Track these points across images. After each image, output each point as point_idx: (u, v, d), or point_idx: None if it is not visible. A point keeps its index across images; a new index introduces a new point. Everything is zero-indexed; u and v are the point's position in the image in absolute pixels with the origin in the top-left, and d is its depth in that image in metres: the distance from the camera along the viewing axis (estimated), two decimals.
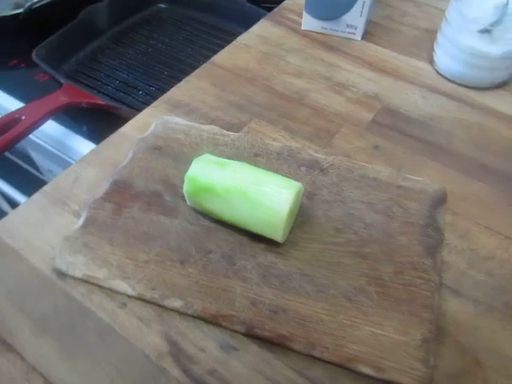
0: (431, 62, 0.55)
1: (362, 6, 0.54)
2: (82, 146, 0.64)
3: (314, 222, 0.37)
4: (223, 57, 0.55)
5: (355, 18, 0.56)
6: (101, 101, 0.61)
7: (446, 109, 0.50)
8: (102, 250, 0.36)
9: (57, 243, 0.37)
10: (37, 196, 0.41)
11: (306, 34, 0.58)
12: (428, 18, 0.62)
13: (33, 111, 0.58)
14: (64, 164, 0.69)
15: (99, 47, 0.80)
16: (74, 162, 0.67)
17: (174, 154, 0.42)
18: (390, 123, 0.47)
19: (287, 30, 0.59)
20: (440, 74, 0.54)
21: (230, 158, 0.38)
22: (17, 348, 0.32)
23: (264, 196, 0.33)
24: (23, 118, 0.57)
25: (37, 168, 0.83)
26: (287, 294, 0.34)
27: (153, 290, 0.34)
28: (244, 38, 0.58)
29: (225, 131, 0.44)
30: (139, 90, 0.70)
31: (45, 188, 0.41)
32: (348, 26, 0.56)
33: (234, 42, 0.57)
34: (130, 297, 0.34)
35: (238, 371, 0.31)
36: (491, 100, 0.51)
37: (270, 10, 0.78)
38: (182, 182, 0.39)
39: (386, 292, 0.34)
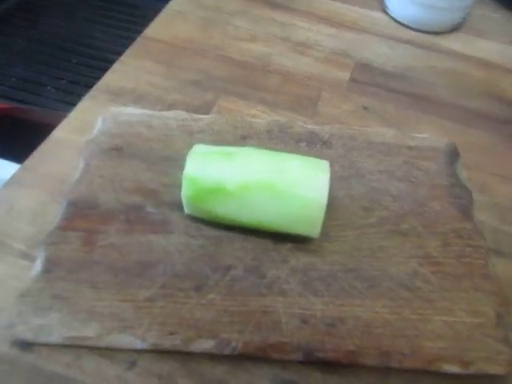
0: (384, 9, 0.51)
1: None
2: None
3: (338, 204, 0.31)
4: (157, 28, 0.45)
5: None
6: (4, 104, 0.48)
7: (417, 57, 0.46)
8: (84, 297, 0.26)
9: (9, 303, 0.26)
10: None
11: None
12: None
13: None
14: None
15: None
16: None
17: (140, 153, 0.33)
18: (370, 80, 0.42)
19: None
20: (397, 22, 0.50)
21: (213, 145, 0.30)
22: None
23: (294, 184, 0.26)
24: None
25: None
26: (338, 299, 0.27)
27: (171, 334, 0.25)
28: (175, 5, 0.48)
29: (195, 115, 0.36)
30: (46, 86, 0.58)
31: None
32: None
33: (164, 11, 0.47)
34: (137, 351, 0.25)
35: None
36: (454, 43, 0.48)
37: None
38: (164, 186, 0.31)
39: (441, 270, 0.29)
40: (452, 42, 0.48)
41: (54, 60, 0.61)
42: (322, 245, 0.29)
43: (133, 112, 0.35)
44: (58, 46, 0.63)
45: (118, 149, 0.33)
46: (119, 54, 0.62)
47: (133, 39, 0.62)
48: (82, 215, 0.29)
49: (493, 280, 0.29)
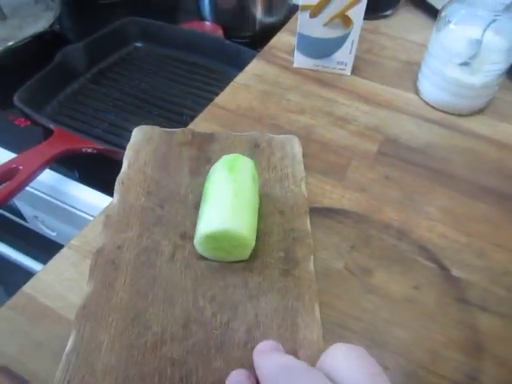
0: (416, 91, 0.60)
1: (351, 45, 0.58)
2: (77, 190, 0.63)
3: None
4: (225, 98, 0.56)
5: (345, 56, 0.59)
6: (99, 145, 0.61)
7: (440, 136, 0.54)
8: None
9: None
10: (65, 251, 0.40)
11: (298, 72, 0.62)
12: (404, 51, 0.67)
13: (30, 160, 0.57)
14: (56, 209, 0.67)
15: (80, 88, 0.79)
16: (68, 207, 0.66)
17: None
18: (395, 153, 0.51)
19: (280, 68, 0.62)
20: (426, 103, 0.58)
21: None
22: None
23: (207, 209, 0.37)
24: (20, 168, 0.56)
25: (19, 214, 0.80)
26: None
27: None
28: (242, 78, 0.60)
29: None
30: (130, 131, 0.70)
31: (72, 242, 0.41)
32: (338, 62, 0.60)
33: (232, 83, 0.59)
34: None
35: None
36: (476, 125, 0.56)
37: (244, 44, 0.81)
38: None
39: None
40: (474, 124, 0.56)
41: (139, 110, 0.74)
42: None
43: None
44: (143, 99, 0.76)
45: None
46: (191, 109, 0.76)
47: (204, 98, 0.75)
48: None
49: None
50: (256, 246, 0.38)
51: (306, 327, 0.35)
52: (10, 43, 0.77)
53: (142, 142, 0.47)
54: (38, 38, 0.79)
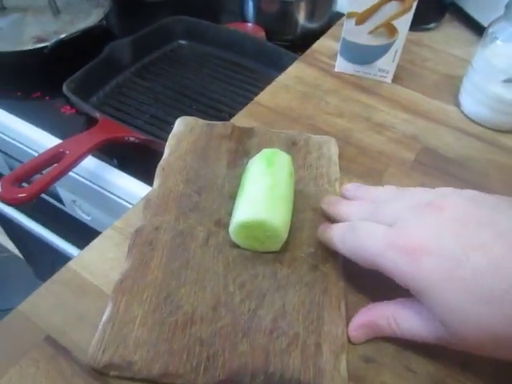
0: (457, 104, 0.60)
1: (395, 53, 0.58)
2: (115, 177, 0.66)
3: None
4: (265, 97, 0.58)
5: (387, 63, 0.60)
6: (141, 136, 0.63)
7: (478, 150, 0.54)
8: None
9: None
10: (109, 232, 0.42)
11: (338, 76, 0.62)
12: (446, 64, 0.67)
13: (76, 146, 0.60)
14: (93, 195, 0.70)
15: (124, 81, 0.82)
16: (106, 192, 0.68)
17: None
18: (432, 163, 0.51)
19: (320, 71, 0.63)
20: (467, 117, 0.58)
21: None
22: None
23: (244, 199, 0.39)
24: (67, 152, 0.59)
25: (57, 198, 0.84)
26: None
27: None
28: (282, 79, 0.61)
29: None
30: (170, 124, 0.72)
31: (116, 224, 0.42)
32: (380, 70, 0.61)
33: (273, 83, 0.60)
34: None
35: None
36: None
37: (285, 47, 0.82)
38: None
39: None
40: None
41: (179, 104, 0.76)
42: None
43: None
44: (183, 94, 0.79)
45: None
46: (229, 106, 0.77)
47: (242, 96, 0.77)
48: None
49: None
50: (287, 239, 0.39)
51: (332, 322, 0.35)
52: (62, 36, 0.80)
53: (184, 132, 0.49)
54: (88, 33, 0.83)
